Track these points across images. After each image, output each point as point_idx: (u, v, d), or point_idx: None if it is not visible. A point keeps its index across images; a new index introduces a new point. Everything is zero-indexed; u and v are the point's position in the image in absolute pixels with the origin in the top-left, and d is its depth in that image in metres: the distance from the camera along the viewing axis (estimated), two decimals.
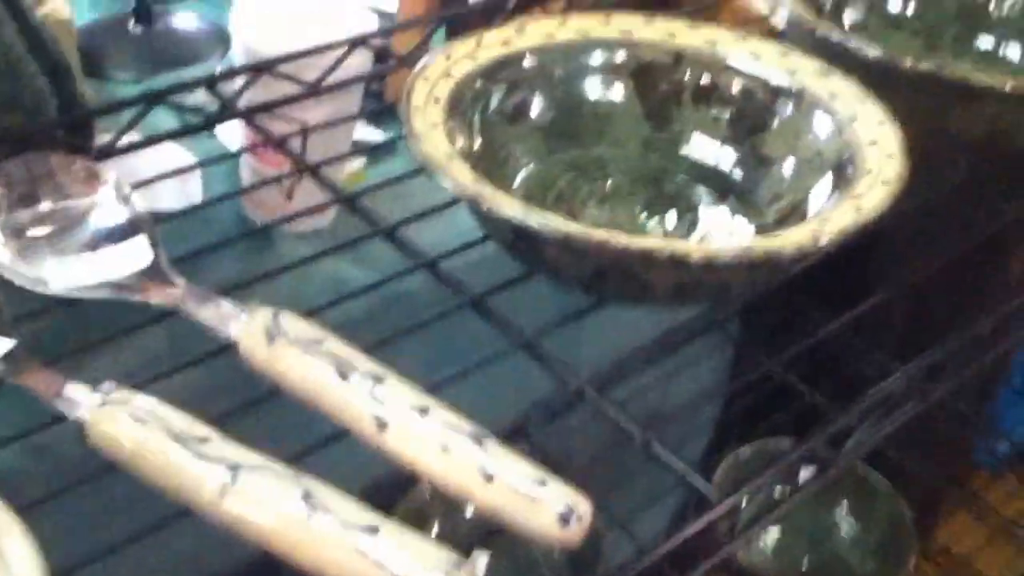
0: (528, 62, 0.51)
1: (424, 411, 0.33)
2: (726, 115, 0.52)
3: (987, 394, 1.08)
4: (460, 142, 0.45)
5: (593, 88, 0.52)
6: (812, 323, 0.50)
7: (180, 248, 0.66)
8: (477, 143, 0.47)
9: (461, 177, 0.40)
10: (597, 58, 0.52)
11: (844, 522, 0.93)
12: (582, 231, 0.37)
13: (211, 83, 0.56)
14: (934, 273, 0.51)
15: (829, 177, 0.46)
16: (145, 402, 0.34)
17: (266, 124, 0.64)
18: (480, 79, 0.49)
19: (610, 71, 0.52)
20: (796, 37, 0.58)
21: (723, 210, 0.50)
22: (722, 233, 0.48)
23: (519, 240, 0.41)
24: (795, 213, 0.46)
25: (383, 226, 0.48)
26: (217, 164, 0.64)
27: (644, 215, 0.49)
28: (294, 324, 0.36)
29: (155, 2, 0.87)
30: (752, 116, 0.51)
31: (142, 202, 0.67)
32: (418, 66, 0.46)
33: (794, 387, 0.55)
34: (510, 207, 0.39)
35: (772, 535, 0.94)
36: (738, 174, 0.51)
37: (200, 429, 0.33)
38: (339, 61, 0.61)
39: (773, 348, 0.51)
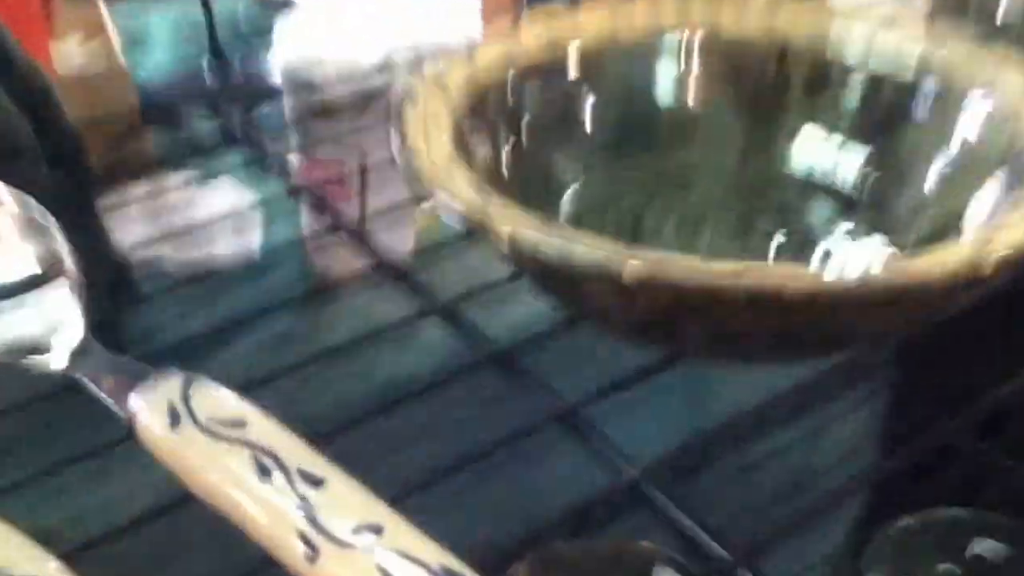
0: (582, 57, 0.40)
1: (376, 530, 0.22)
2: (847, 109, 0.40)
3: None
4: (480, 152, 0.35)
5: (670, 87, 0.41)
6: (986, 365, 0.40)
7: (224, 304, 0.60)
8: (506, 154, 0.37)
9: (456, 187, 0.30)
10: (674, 50, 0.41)
11: None
12: (645, 259, 0.26)
13: (214, 103, 0.48)
14: None
15: (995, 179, 0.34)
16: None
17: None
18: (517, 78, 0.38)
19: (692, 65, 0.41)
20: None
21: (846, 229, 0.38)
22: (846, 258, 0.36)
23: (548, 276, 0.30)
24: (948, 229, 0.34)
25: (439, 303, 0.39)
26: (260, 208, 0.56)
27: (740, 240, 0.37)
28: (210, 399, 0.26)
29: (234, 42, 0.83)
30: (882, 109, 0.39)
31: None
32: (429, 66, 0.36)
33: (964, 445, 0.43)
34: (526, 227, 0.28)
35: None
36: (866, 182, 0.39)
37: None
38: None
39: (936, 399, 0.41)
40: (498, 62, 0.38)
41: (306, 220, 0.61)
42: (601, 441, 0.33)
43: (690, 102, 0.41)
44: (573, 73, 0.40)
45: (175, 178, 0.64)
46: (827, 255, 0.37)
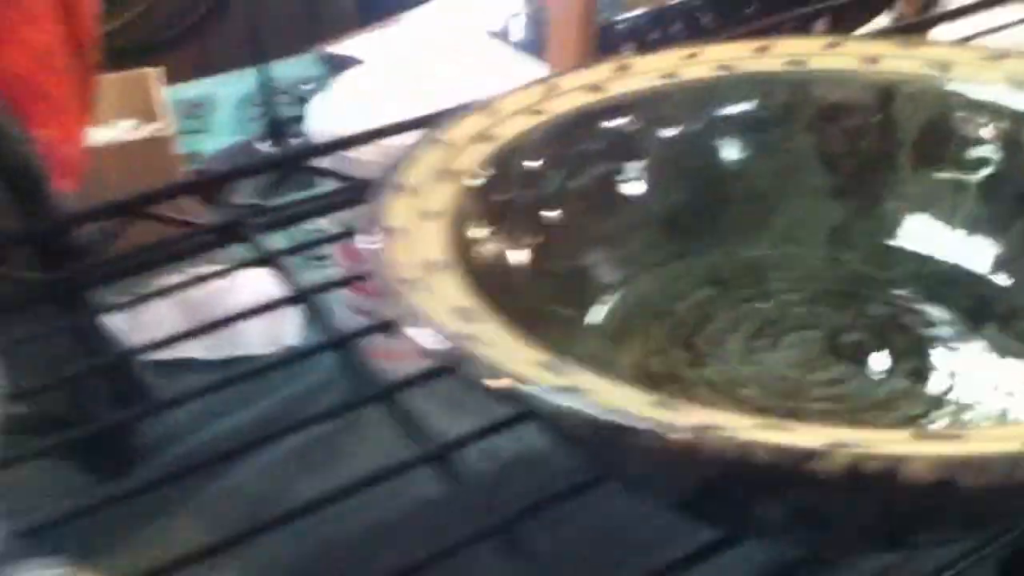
0: (630, 114, 0.32)
1: None
2: (975, 181, 0.31)
3: None
4: (490, 246, 0.28)
5: (739, 152, 0.33)
6: None
7: (264, 402, 0.53)
8: (526, 247, 0.29)
9: (432, 306, 0.22)
10: (747, 104, 0.33)
11: None
12: (688, 428, 0.17)
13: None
14: None
15: None
16: None
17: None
18: (546, 142, 0.31)
19: (772, 123, 0.33)
20: None
21: (980, 348, 0.28)
22: (982, 394, 0.26)
23: (567, 436, 0.22)
24: None
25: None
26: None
27: (827, 364, 0.28)
28: None
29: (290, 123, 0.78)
30: (1020, 183, 0.30)
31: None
32: (429, 129, 0.29)
33: None
34: (527, 370, 0.20)
35: None
36: (1004, 281, 0.29)
37: None
38: None
39: None
40: (522, 122, 0.31)
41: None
42: None
43: (768, 176, 0.33)
44: (616, 134, 0.32)
45: (203, 268, 0.59)
46: (949, 391, 0.28)
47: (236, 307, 0.57)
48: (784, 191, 0.33)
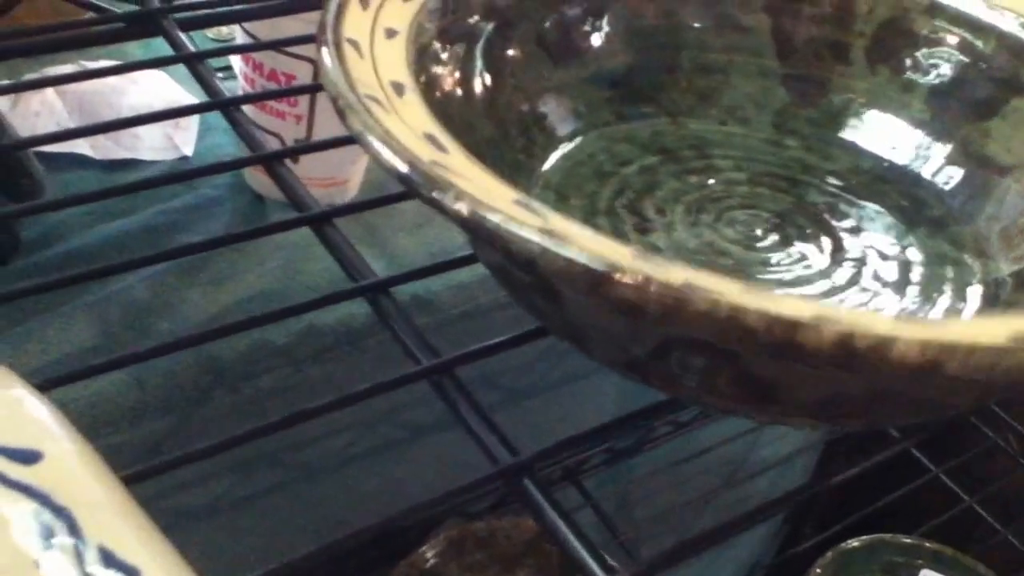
0: None
1: None
2: (926, 84, 0.31)
3: None
4: (448, 76, 0.27)
5: (697, 21, 0.32)
6: None
7: (148, 209, 0.51)
8: (481, 86, 0.28)
9: (399, 129, 0.21)
10: None
11: None
12: (633, 266, 0.18)
13: None
14: None
15: None
16: None
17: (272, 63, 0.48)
18: None
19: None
20: None
21: (911, 250, 0.29)
22: (908, 292, 0.28)
23: (509, 270, 0.22)
24: None
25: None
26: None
27: (770, 246, 0.29)
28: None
29: None
30: (971, 91, 0.31)
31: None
32: None
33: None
34: (488, 198, 0.19)
35: None
36: (943, 186, 0.30)
37: None
38: None
39: None
40: None
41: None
42: None
43: (721, 51, 0.33)
44: None
45: (93, 62, 0.55)
46: (877, 281, 0.29)
47: (132, 107, 0.54)
48: (735, 68, 0.33)
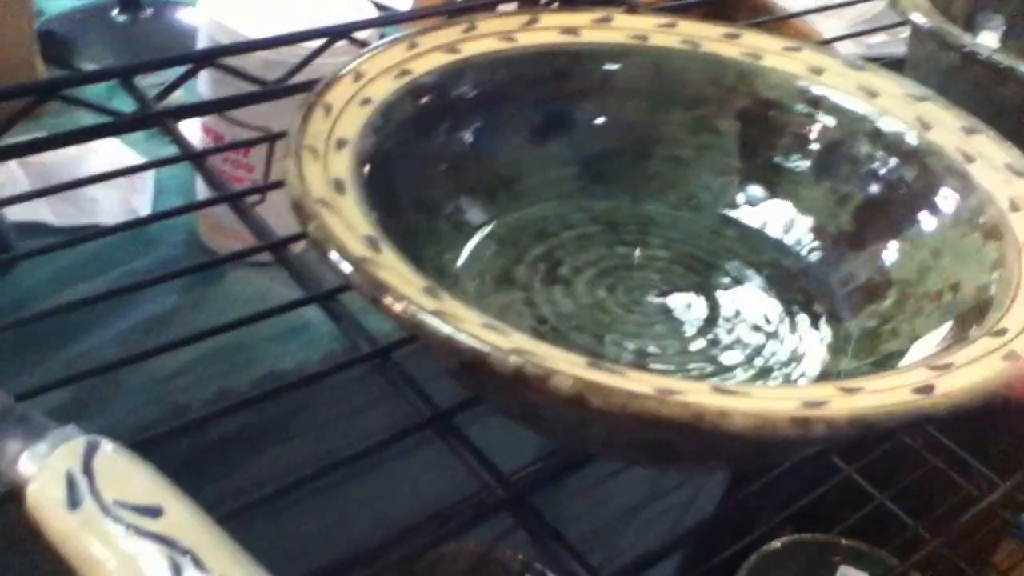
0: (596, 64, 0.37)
1: None
2: (857, 198, 0.36)
3: None
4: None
5: (676, 120, 0.38)
6: None
7: (111, 272, 0.55)
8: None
9: (335, 228, 0.26)
10: (695, 84, 0.38)
11: None
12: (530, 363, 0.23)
13: (127, 74, 0.43)
14: None
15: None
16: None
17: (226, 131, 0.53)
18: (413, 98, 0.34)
19: (710, 102, 0.38)
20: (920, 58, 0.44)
21: (792, 343, 0.34)
22: (788, 353, 0.33)
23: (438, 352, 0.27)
24: (888, 328, 0.32)
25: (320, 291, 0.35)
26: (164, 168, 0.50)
27: (648, 311, 0.34)
28: (119, 472, 0.22)
29: None
30: (893, 211, 0.36)
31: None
32: (313, 91, 0.31)
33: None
34: (417, 304, 0.24)
35: None
36: (845, 294, 0.35)
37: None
38: (310, 57, 0.48)
39: None
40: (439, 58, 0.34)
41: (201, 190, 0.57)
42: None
43: (691, 148, 0.38)
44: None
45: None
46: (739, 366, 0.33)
47: (91, 173, 0.58)
48: (700, 163, 0.38)
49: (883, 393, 0.24)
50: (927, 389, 0.24)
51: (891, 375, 0.25)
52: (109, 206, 0.58)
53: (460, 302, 0.25)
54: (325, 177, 0.28)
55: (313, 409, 0.54)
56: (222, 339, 0.54)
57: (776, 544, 0.79)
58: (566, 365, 0.23)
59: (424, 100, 0.34)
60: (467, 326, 0.23)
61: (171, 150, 0.60)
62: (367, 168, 0.31)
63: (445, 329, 0.23)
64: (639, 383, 0.23)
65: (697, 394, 0.23)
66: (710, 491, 0.86)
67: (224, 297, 0.57)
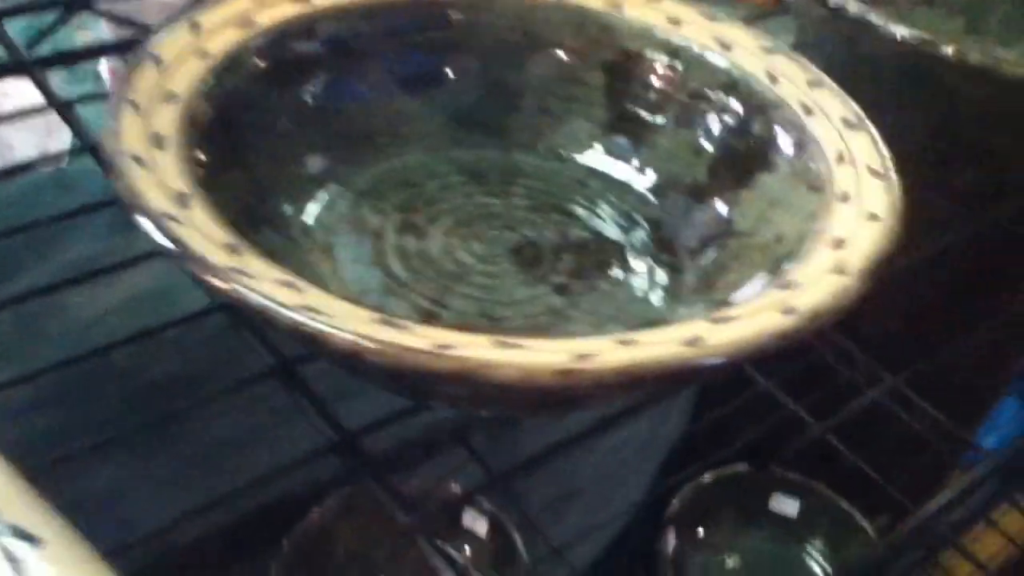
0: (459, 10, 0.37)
1: None
2: (713, 152, 0.37)
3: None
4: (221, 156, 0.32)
5: (541, 70, 0.39)
6: None
7: (27, 213, 0.56)
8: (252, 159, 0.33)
9: (148, 186, 0.27)
10: (561, 33, 0.39)
11: (815, 558, 0.81)
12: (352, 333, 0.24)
13: None
14: None
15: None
16: None
17: None
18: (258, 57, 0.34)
19: (575, 54, 0.39)
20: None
21: (641, 271, 0.36)
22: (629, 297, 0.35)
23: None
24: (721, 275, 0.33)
25: None
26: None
27: (505, 263, 0.35)
28: None
29: None
30: (740, 163, 0.37)
31: None
32: (145, 46, 0.32)
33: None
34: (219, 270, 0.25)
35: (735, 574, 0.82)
36: (693, 244, 0.36)
37: None
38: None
39: None
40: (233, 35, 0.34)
41: None
42: None
43: (559, 99, 0.39)
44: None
45: None
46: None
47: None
48: (567, 113, 0.39)
49: (655, 345, 0.25)
50: (696, 341, 0.25)
51: (669, 328, 0.26)
52: (25, 151, 0.59)
53: (262, 259, 0.26)
54: (144, 132, 0.28)
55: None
56: (146, 286, 0.55)
57: (708, 477, 0.80)
58: (352, 322, 0.24)
59: (271, 53, 0.34)
60: (259, 283, 0.24)
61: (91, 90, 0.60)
62: (207, 121, 0.31)
63: (231, 286, 0.24)
64: (420, 338, 0.24)
65: (474, 348, 0.24)
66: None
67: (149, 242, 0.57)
